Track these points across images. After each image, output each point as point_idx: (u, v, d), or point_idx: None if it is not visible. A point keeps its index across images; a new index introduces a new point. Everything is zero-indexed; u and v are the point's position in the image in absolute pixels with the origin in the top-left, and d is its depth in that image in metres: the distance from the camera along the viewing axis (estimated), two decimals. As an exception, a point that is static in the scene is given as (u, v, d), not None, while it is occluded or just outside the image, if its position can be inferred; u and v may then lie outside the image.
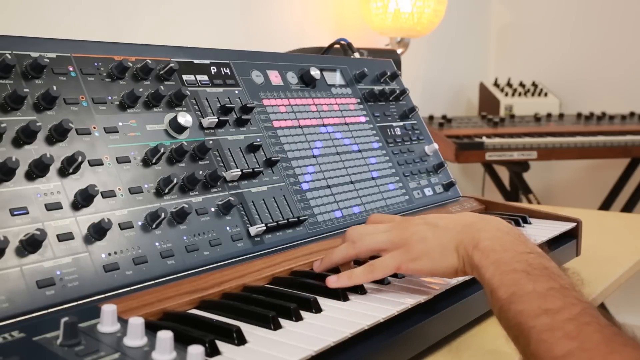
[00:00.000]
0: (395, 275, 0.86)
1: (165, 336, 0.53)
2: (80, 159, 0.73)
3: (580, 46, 3.14)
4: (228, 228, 0.86)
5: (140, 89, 0.85)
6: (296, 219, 0.94)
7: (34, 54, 0.78)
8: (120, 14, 1.74)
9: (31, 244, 0.66)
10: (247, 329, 0.65)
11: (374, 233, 0.83)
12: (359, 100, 1.23)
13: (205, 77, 0.97)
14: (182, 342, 0.56)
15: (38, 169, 0.71)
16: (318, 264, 0.86)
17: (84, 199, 0.73)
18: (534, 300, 0.64)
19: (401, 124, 1.29)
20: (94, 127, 0.79)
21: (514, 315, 0.65)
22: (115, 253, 0.73)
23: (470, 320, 0.87)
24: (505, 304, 0.66)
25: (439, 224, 0.79)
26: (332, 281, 0.78)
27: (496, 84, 3.08)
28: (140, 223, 0.77)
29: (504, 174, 2.98)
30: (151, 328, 0.57)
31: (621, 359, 0.58)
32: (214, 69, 0.99)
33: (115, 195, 0.77)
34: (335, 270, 0.84)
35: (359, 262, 0.86)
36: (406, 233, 0.80)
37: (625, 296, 2.60)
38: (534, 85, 3.09)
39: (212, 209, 0.86)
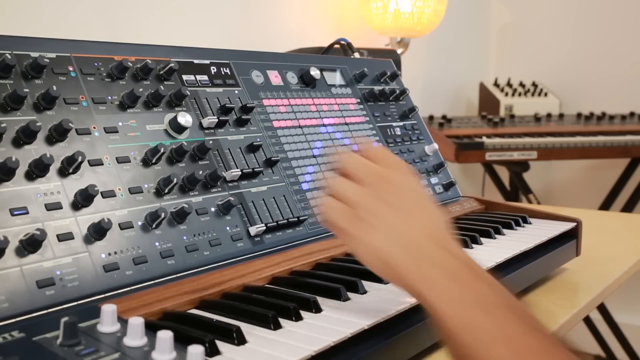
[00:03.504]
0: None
1: (165, 336, 0.53)
2: (80, 159, 0.73)
3: (580, 46, 3.14)
4: (228, 228, 0.86)
5: (140, 89, 0.85)
6: (296, 219, 0.94)
7: (34, 54, 0.78)
8: (120, 14, 1.74)
9: (31, 244, 0.66)
10: (247, 329, 0.65)
11: (344, 180, 0.73)
12: (359, 100, 1.23)
13: (205, 77, 0.97)
14: (182, 342, 0.56)
15: (38, 169, 0.71)
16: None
17: (84, 199, 0.73)
18: (490, 334, 0.60)
19: (401, 124, 1.29)
20: (94, 127, 0.79)
21: (468, 350, 0.61)
22: (115, 253, 0.73)
23: (470, 320, 0.87)
24: (456, 339, 0.62)
25: (401, 225, 0.69)
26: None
27: (496, 84, 3.08)
28: (140, 223, 0.77)
29: (504, 174, 2.98)
30: (151, 328, 0.57)
31: None
32: (214, 69, 0.99)
33: (115, 195, 0.77)
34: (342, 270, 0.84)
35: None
36: (369, 202, 0.70)
37: (625, 296, 2.60)
38: (534, 85, 3.09)
39: (212, 209, 0.86)
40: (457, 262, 0.67)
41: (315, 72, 1.14)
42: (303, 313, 0.71)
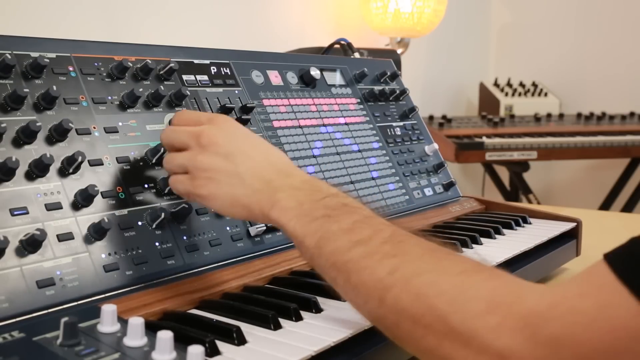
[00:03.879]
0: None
1: (165, 336, 0.53)
2: (80, 159, 0.73)
3: (580, 46, 3.14)
4: (228, 228, 0.86)
5: (140, 89, 0.85)
6: (296, 219, 0.94)
7: (34, 54, 0.78)
8: (120, 13, 1.75)
9: (31, 244, 0.66)
10: (247, 329, 0.65)
11: (174, 153, 0.77)
12: (359, 100, 1.23)
13: (205, 77, 0.97)
14: (182, 342, 0.56)
15: (38, 169, 0.71)
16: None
17: (84, 199, 0.73)
18: (342, 237, 0.64)
19: (401, 124, 1.29)
20: (94, 127, 0.79)
21: (327, 257, 0.65)
22: (115, 253, 0.73)
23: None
24: (315, 251, 0.66)
25: (239, 169, 0.72)
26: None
27: (496, 84, 3.08)
28: (140, 223, 0.77)
29: (504, 174, 2.98)
30: (151, 328, 0.57)
31: (454, 265, 0.60)
32: (214, 69, 0.99)
33: (115, 195, 0.77)
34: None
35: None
36: (199, 162, 0.73)
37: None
38: (534, 85, 3.09)
39: (212, 209, 0.86)
40: (299, 182, 0.72)
41: (315, 72, 1.14)
42: (303, 313, 0.71)
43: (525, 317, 0.52)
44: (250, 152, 0.74)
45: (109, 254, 0.72)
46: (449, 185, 1.29)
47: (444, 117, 2.69)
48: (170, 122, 0.82)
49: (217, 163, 0.72)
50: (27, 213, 0.68)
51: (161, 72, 0.90)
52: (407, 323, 0.58)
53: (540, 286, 0.56)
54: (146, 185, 0.81)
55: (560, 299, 0.52)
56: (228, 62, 1.02)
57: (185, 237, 0.81)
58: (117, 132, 0.81)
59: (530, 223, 1.20)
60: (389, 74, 1.32)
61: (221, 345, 0.62)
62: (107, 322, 0.58)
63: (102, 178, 0.77)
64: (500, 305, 0.53)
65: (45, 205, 0.70)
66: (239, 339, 0.63)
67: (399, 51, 2.33)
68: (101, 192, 0.75)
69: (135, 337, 0.56)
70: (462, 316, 0.54)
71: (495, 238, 1.08)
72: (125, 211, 0.77)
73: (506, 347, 0.51)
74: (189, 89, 0.93)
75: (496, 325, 0.52)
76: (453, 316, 0.55)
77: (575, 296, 0.52)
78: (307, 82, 1.14)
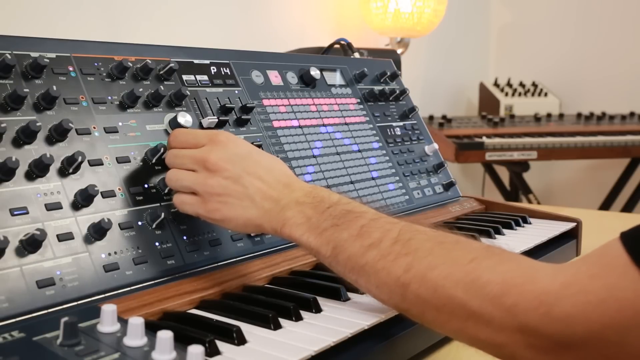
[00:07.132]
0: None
1: (165, 336, 0.53)
2: (80, 159, 0.73)
3: (580, 46, 3.14)
4: (228, 228, 0.86)
5: (140, 89, 0.85)
6: (296, 219, 0.94)
7: (34, 54, 0.78)
8: (120, 13, 1.75)
9: (31, 244, 0.66)
10: (247, 328, 0.65)
11: (180, 172, 0.78)
12: (359, 100, 1.23)
13: (205, 77, 0.97)
14: (182, 342, 0.56)
15: (38, 169, 0.71)
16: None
17: (84, 199, 0.73)
18: (354, 243, 0.69)
19: (401, 124, 1.29)
20: (94, 127, 0.79)
21: (345, 264, 0.70)
22: (115, 253, 0.73)
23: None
24: (332, 259, 0.71)
25: (249, 191, 0.75)
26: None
27: (496, 84, 3.08)
28: (140, 223, 0.77)
29: (504, 174, 2.98)
30: (151, 328, 0.57)
31: (464, 254, 0.63)
32: (214, 69, 0.99)
33: (115, 195, 0.77)
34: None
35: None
36: (210, 187, 0.75)
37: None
38: (534, 85, 3.09)
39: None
40: (303, 195, 0.75)
41: (315, 72, 1.14)
42: (303, 313, 0.71)
43: (539, 296, 0.55)
44: (257, 171, 0.76)
45: (109, 254, 0.72)
46: (449, 185, 1.29)
47: (444, 117, 2.69)
48: (167, 144, 0.82)
49: (228, 187, 0.75)
50: (27, 213, 0.68)
51: (161, 72, 0.90)
52: (431, 312, 0.63)
53: (551, 266, 0.59)
54: (146, 185, 0.81)
55: (572, 279, 0.56)
56: (228, 62, 1.02)
57: (185, 237, 0.81)
58: (117, 132, 0.81)
59: (530, 223, 1.20)
60: (389, 74, 1.32)
61: (221, 345, 0.62)
62: (107, 322, 0.58)
63: (102, 178, 0.77)
64: (514, 287, 0.57)
65: (45, 205, 0.70)
66: (239, 339, 0.63)
67: (399, 51, 2.33)
68: (101, 192, 0.75)
69: (135, 337, 0.56)
70: (480, 301, 0.59)
71: (495, 238, 1.08)
72: (125, 211, 0.77)
73: (523, 324, 0.56)
74: (189, 89, 0.93)
75: (511, 305, 0.57)
76: (471, 302, 0.59)
77: (586, 277, 0.55)
78: (307, 82, 1.14)
